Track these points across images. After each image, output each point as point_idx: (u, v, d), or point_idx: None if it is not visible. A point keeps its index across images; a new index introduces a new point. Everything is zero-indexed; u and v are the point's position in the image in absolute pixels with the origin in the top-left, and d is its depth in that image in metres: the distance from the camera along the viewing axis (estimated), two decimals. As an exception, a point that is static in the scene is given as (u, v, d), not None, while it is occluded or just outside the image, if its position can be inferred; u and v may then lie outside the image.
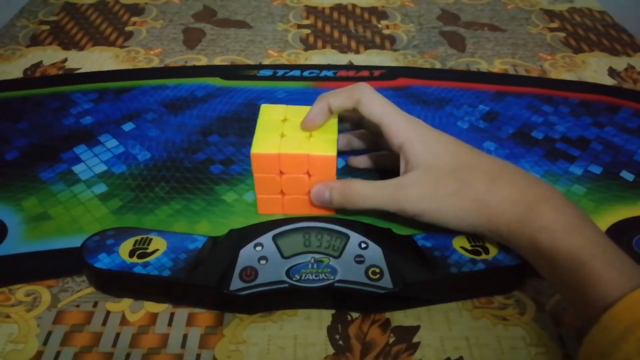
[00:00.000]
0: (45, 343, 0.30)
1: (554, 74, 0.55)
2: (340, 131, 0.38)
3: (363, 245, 0.32)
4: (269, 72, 0.53)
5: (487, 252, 0.32)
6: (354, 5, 0.68)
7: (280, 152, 0.34)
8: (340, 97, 0.35)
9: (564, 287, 0.28)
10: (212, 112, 0.48)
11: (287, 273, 0.31)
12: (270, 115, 0.37)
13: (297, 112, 0.36)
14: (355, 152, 0.42)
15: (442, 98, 0.50)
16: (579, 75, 0.55)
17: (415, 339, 0.31)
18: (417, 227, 0.37)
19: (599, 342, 0.24)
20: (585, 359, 0.25)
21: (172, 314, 0.32)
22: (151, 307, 0.32)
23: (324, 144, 0.34)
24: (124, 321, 0.31)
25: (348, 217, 0.36)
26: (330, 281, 0.30)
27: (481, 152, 0.34)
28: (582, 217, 0.29)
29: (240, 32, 0.62)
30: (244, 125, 0.46)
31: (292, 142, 0.34)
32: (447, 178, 0.32)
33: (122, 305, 0.32)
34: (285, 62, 0.56)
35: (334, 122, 0.36)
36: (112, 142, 0.44)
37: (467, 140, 0.45)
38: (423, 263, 0.32)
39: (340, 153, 0.39)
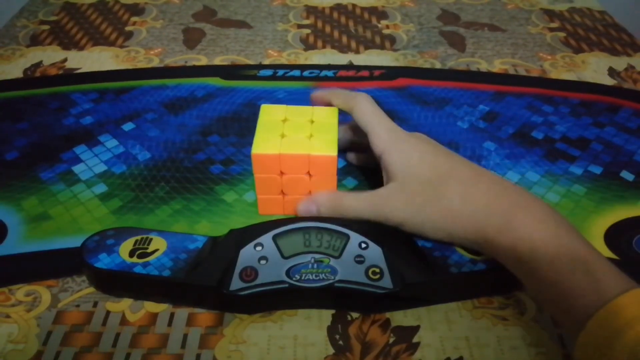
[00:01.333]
0: (45, 343, 0.30)
1: (554, 74, 0.55)
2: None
3: (363, 245, 0.32)
4: (269, 72, 0.53)
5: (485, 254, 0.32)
6: (354, 5, 0.68)
7: (280, 152, 0.34)
8: (339, 99, 0.37)
9: (545, 296, 0.28)
10: (212, 112, 0.48)
11: (287, 273, 0.31)
12: (270, 115, 0.37)
13: (298, 112, 0.37)
14: (355, 147, 0.42)
15: (442, 98, 0.50)
16: (579, 75, 0.55)
17: (415, 339, 0.31)
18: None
19: (588, 345, 0.24)
20: (582, 354, 0.25)
21: (172, 314, 0.32)
22: (151, 307, 0.32)
23: (325, 144, 0.34)
24: (124, 321, 0.31)
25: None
26: (331, 281, 0.30)
27: (460, 160, 0.33)
28: (563, 225, 0.29)
29: (240, 32, 0.62)
30: (244, 125, 0.46)
31: (292, 142, 0.34)
32: (422, 189, 0.32)
33: (122, 305, 0.32)
34: (285, 62, 0.56)
35: (334, 123, 0.36)
36: (112, 142, 0.44)
37: (467, 140, 0.45)
38: (423, 263, 0.32)
39: (341, 151, 0.39)
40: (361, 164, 0.42)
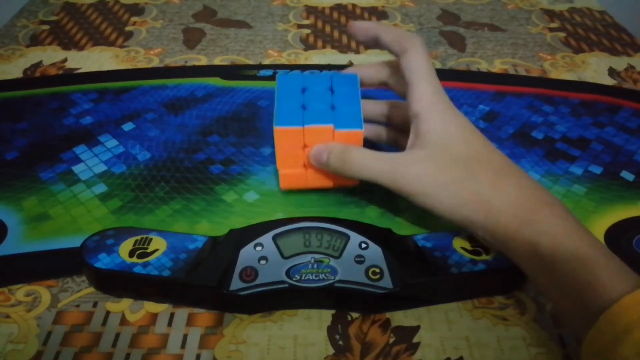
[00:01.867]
0: (45, 343, 0.30)
1: (554, 74, 0.55)
2: (371, 122, 0.38)
3: (363, 245, 0.32)
4: (269, 72, 0.53)
5: (487, 252, 0.32)
6: (354, 5, 0.68)
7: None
8: (390, 36, 0.33)
9: (560, 291, 0.27)
10: (212, 112, 0.48)
11: (287, 273, 0.31)
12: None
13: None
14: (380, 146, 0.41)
15: (442, 98, 0.50)
16: (579, 75, 0.55)
17: (415, 339, 0.31)
18: (418, 227, 0.37)
19: (596, 343, 0.24)
20: (589, 352, 0.25)
21: (172, 314, 0.32)
22: (151, 307, 0.32)
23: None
24: (123, 321, 0.31)
25: (348, 218, 0.36)
26: (331, 281, 0.30)
27: (493, 147, 0.32)
28: (580, 224, 0.29)
29: (240, 32, 0.62)
30: (244, 125, 0.46)
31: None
32: (453, 165, 0.30)
33: (122, 306, 0.32)
34: (285, 62, 0.56)
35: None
36: (112, 142, 0.44)
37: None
38: (423, 263, 0.32)
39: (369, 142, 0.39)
40: (389, 142, 0.40)
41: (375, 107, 0.39)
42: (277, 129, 0.33)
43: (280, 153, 0.34)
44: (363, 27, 0.35)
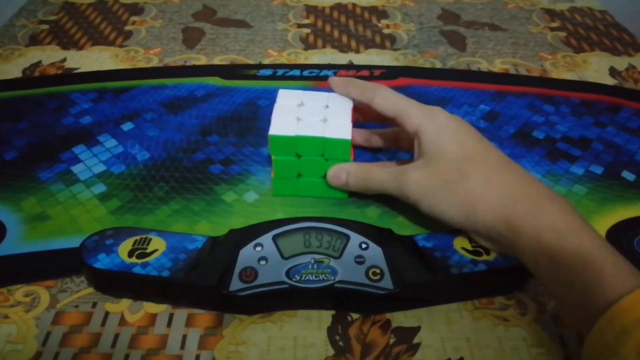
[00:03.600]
0: (44, 344, 0.30)
1: (554, 74, 0.55)
2: (362, 126, 0.41)
3: (363, 245, 0.32)
4: (268, 72, 0.53)
5: (488, 252, 0.32)
6: (354, 5, 0.68)
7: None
8: (357, 90, 0.37)
9: (564, 288, 0.27)
10: (212, 112, 0.48)
11: (287, 274, 0.30)
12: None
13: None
14: (374, 149, 0.43)
15: (443, 98, 0.50)
16: (580, 75, 0.55)
17: (415, 340, 0.30)
18: (418, 227, 0.36)
19: (597, 343, 0.24)
20: (591, 350, 0.25)
21: (171, 315, 0.32)
22: (150, 307, 0.32)
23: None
24: (123, 322, 0.31)
25: (348, 218, 0.36)
26: (331, 282, 0.30)
27: (490, 145, 0.33)
28: (584, 220, 0.29)
29: (240, 31, 0.61)
30: (243, 125, 0.46)
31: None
32: (447, 167, 0.32)
33: (121, 306, 0.32)
34: (285, 62, 0.56)
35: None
36: (111, 142, 0.44)
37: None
38: (424, 264, 0.32)
39: (360, 148, 0.42)
40: (388, 146, 0.42)
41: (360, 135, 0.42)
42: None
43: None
44: (336, 84, 0.38)
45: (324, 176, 0.37)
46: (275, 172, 0.37)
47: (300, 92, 0.39)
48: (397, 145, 0.41)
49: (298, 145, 0.36)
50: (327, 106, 0.38)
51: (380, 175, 0.35)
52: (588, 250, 0.27)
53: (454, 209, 0.31)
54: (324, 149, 0.36)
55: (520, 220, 0.29)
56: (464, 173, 0.31)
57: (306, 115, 0.37)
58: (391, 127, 0.41)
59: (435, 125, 0.33)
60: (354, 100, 0.38)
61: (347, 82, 0.38)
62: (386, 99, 0.35)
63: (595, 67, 0.56)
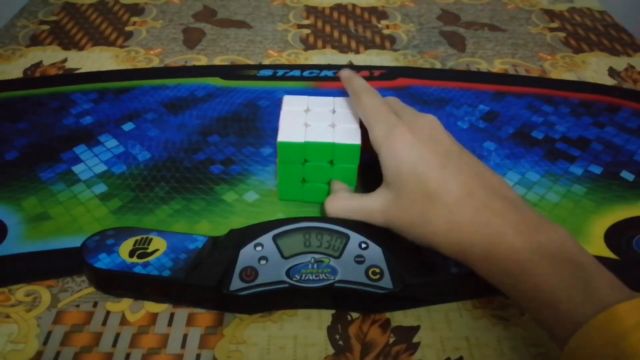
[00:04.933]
0: (45, 343, 0.30)
1: (554, 74, 0.55)
2: None
3: (363, 245, 0.32)
4: (269, 72, 0.53)
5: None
6: (354, 5, 0.68)
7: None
8: (350, 91, 0.37)
9: (529, 306, 0.27)
10: (212, 112, 0.48)
11: (287, 273, 0.31)
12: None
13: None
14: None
15: (442, 98, 0.50)
16: (579, 75, 0.55)
17: (415, 339, 0.31)
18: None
19: (588, 345, 0.24)
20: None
21: (172, 314, 0.32)
22: (151, 307, 0.32)
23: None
24: (123, 321, 0.31)
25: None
26: (331, 281, 0.30)
27: (452, 171, 0.30)
28: (562, 237, 0.27)
29: (240, 32, 0.62)
30: (244, 125, 0.46)
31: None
32: (410, 208, 0.31)
33: (122, 306, 0.32)
34: (285, 62, 0.56)
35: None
36: (112, 142, 0.44)
37: (467, 140, 0.45)
38: (423, 263, 0.32)
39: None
40: None
41: None
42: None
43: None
44: (342, 78, 0.38)
45: (328, 182, 0.37)
46: (280, 177, 0.37)
47: (305, 97, 0.38)
48: None
49: (307, 151, 0.35)
50: (334, 111, 0.37)
51: (343, 205, 0.34)
52: (555, 270, 0.26)
53: (423, 244, 0.31)
54: (333, 155, 0.35)
55: (477, 264, 0.28)
56: (424, 217, 0.30)
57: (314, 121, 0.36)
58: None
59: (393, 158, 0.32)
60: None
61: (348, 80, 0.38)
62: (361, 110, 0.35)
63: (595, 68, 0.56)
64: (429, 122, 0.33)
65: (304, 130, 0.35)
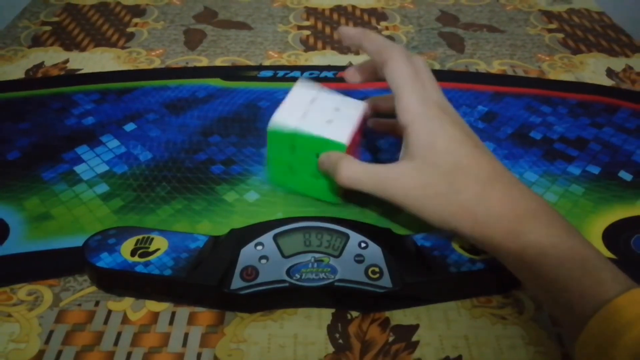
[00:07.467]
0: (47, 342, 0.30)
1: (552, 75, 0.55)
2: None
3: (363, 244, 0.32)
4: (269, 73, 0.54)
5: (486, 252, 0.33)
6: (353, 7, 0.68)
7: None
8: (373, 45, 0.34)
9: (546, 297, 0.28)
10: (213, 113, 0.48)
11: (288, 272, 0.31)
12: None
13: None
14: (379, 116, 0.41)
15: (442, 99, 0.50)
16: (577, 76, 0.55)
17: (414, 338, 0.31)
18: (417, 227, 0.37)
19: (588, 346, 0.24)
20: (582, 354, 0.25)
21: (173, 313, 0.32)
22: (152, 306, 0.32)
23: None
24: (125, 320, 0.32)
25: (348, 217, 0.36)
26: (330, 280, 0.31)
27: (483, 153, 0.32)
28: (567, 227, 0.29)
29: (241, 33, 0.62)
30: (244, 125, 0.47)
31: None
32: (438, 179, 0.30)
33: (124, 305, 0.32)
34: (286, 63, 0.56)
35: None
36: (113, 143, 0.44)
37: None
38: (422, 263, 0.32)
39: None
40: (383, 132, 0.41)
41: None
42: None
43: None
44: (348, 35, 0.35)
45: (315, 176, 0.36)
46: (268, 159, 0.37)
47: (318, 88, 0.38)
48: (393, 132, 0.39)
49: (295, 139, 0.35)
50: (338, 109, 0.37)
51: (361, 174, 0.32)
52: (568, 260, 0.27)
53: (441, 219, 0.31)
54: (318, 149, 0.35)
55: (503, 238, 0.29)
56: (454, 187, 0.30)
57: (314, 112, 0.36)
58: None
59: (427, 131, 0.31)
60: (367, 68, 0.35)
61: (362, 35, 0.34)
62: (395, 71, 0.32)
63: (593, 68, 0.56)
64: (452, 108, 0.34)
65: (299, 118, 0.35)
